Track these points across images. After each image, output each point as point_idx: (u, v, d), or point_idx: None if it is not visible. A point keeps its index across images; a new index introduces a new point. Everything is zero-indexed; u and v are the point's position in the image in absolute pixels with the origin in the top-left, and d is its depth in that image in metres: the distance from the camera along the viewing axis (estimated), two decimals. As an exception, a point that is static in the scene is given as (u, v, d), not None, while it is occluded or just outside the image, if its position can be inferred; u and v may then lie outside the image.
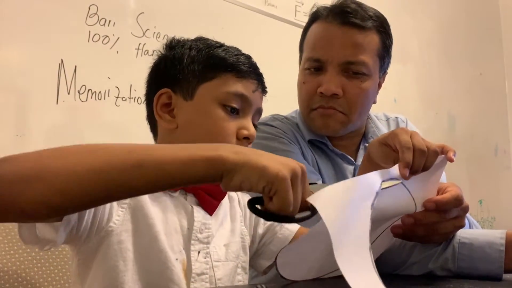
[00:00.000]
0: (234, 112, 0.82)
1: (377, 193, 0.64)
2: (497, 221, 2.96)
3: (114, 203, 0.74)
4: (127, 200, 0.75)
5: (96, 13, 1.47)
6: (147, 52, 1.57)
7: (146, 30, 1.58)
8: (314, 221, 0.60)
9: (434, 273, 0.81)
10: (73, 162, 0.55)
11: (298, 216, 0.60)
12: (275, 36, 1.93)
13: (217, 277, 0.81)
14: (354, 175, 1.20)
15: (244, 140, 0.82)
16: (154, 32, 1.60)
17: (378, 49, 1.15)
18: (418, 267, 0.82)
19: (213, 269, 0.81)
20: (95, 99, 1.45)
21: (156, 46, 0.91)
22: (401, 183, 0.73)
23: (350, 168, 1.21)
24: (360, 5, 1.16)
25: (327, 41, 1.13)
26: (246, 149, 0.59)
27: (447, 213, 0.78)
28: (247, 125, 0.83)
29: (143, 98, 0.90)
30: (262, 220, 0.93)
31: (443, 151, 0.78)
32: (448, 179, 0.97)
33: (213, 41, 0.88)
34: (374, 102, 1.22)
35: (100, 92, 1.47)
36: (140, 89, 0.91)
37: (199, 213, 0.81)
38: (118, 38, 1.51)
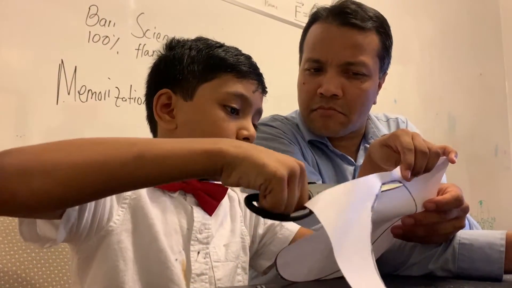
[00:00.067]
0: (234, 113, 0.82)
1: (377, 195, 0.64)
2: (497, 222, 2.96)
3: (115, 203, 0.74)
4: (127, 200, 0.75)
5: (96, 14, 1.47)
6: (147, 53, 1.57)
7: (146, 31, 1.58)
8: (312, 220, 0.60)
9: (434, 274, 0.81)
10: (75, 154, 0.56)
11: (294, 214, 0.59)
12: (275, 37, 1.93)
13: (216, 277, 0.81)
14: (354, 176, 1.20)
15: (244, 140, 0.82)
16: (154, 33, 1.60)
17: (378, 50, 1.15)
18: (418, 267, 0.82)
19: (213, 269, 0.80)
20: (95, 100, 1.45)
21: (156, 46, 0.91)
22: (403, 185, 0.73)
23: (350, 168, 1.20)
24: (360, 5, 1.16)
25: (327, 42, 1.13)
26: (246, 144, 0.60)
27: (447, 213, 0.78)
28: (247, 126, 0.83)
29: (143, 99, 0.90)
30: (262, 220, 0.93)
31: (444, 152, 0.78)
32: (448, 179, 0.97)
33: (213, 41, 0.88)
34: (374, 103, 1.22)
35: (100, 92, 1.47)
36: (140, 90, 0.91)
37: (198, 214, 0.81)
38: (118, 38, 1.51)
